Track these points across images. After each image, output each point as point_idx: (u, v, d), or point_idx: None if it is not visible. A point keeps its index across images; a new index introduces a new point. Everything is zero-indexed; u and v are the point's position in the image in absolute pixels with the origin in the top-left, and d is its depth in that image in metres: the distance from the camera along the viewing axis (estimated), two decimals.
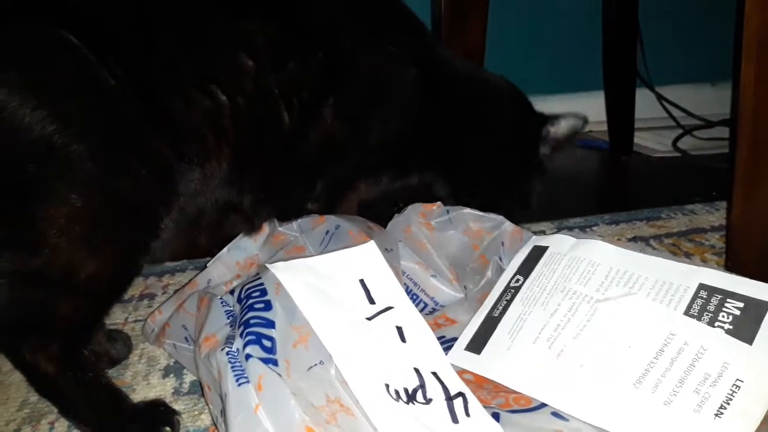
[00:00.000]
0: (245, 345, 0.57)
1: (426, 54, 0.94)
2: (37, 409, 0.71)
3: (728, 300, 0.62)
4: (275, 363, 0.56)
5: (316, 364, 0.57)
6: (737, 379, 0.56)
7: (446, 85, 0.94)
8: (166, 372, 0.77)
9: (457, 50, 1.62)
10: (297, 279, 0.63)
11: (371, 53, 0.86)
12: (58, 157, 0.61)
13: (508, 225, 0.84)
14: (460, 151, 0.96)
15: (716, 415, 0.55)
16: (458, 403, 0.57)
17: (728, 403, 0.55)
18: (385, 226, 0.88)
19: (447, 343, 0.72)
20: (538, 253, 0.77)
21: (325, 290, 0.64)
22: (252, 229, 0.85)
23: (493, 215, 0.86)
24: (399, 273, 0.77)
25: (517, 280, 0.76)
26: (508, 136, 1.00)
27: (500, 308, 0.73)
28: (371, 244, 0.69)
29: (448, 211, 0.87)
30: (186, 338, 0.74)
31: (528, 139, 1.01)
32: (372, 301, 0.64)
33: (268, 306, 0.61)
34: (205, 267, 0.85)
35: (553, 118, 1.01)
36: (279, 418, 0.52)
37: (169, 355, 0.79)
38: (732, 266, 0.86)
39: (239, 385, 0.55)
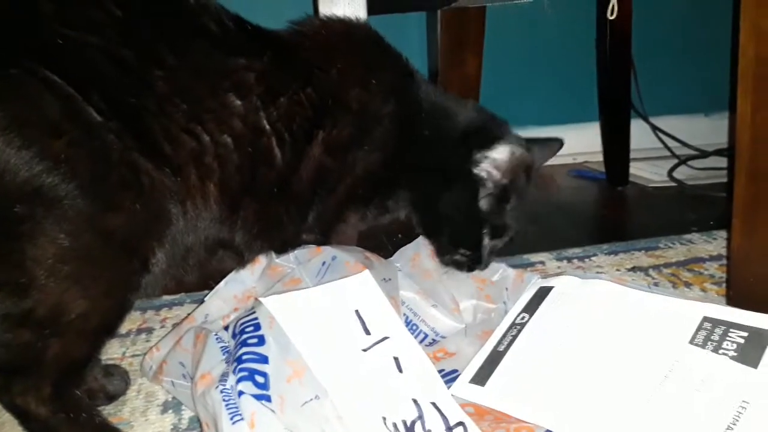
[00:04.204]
0: (238, 381, 0.57)
1: (402, 88, 0.91)
2: None
3: (732, 330, 0.63)
4: (268, 399, 0.56)
5: (311, 399, 0.57)
6: (743, 401, 0.57)
7: (415, 119, 0.91)
8: (165, 408, 0.76)
9: (454, 81, 1.64)
10: (290, 312, 0.63)
11: (356, 86, 0.86)
12: (45, 197, 0.60)
13: (511, 271, 0.85)
14: (421, 183, 0.91)
15: None
16: None
17: (735, 425, 0.55)
18: (385, 257, 0.87)
19: (446, 376, 0.72)
20: (543, 292, 0.78)
21: (319, 323, 0.63)
22: (242, 263, 0.84)
23: (494, 264, 0.87)
24: (397, 303, 0.77)
25: (523, 318, 0.76)
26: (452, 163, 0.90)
27: (506, 343, 0.73)
28: (366, 274, 0.68)
29: None
30: (183, 375, 0.73)
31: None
32: (368, 332, 0.63)
33: (261, 341, 0.61)
34: (203, 301, 0.84)
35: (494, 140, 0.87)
36: None
37: (167, 390, 0.78)
38: (734, 296, 0.86)
39: (233, 423, 0.54)
